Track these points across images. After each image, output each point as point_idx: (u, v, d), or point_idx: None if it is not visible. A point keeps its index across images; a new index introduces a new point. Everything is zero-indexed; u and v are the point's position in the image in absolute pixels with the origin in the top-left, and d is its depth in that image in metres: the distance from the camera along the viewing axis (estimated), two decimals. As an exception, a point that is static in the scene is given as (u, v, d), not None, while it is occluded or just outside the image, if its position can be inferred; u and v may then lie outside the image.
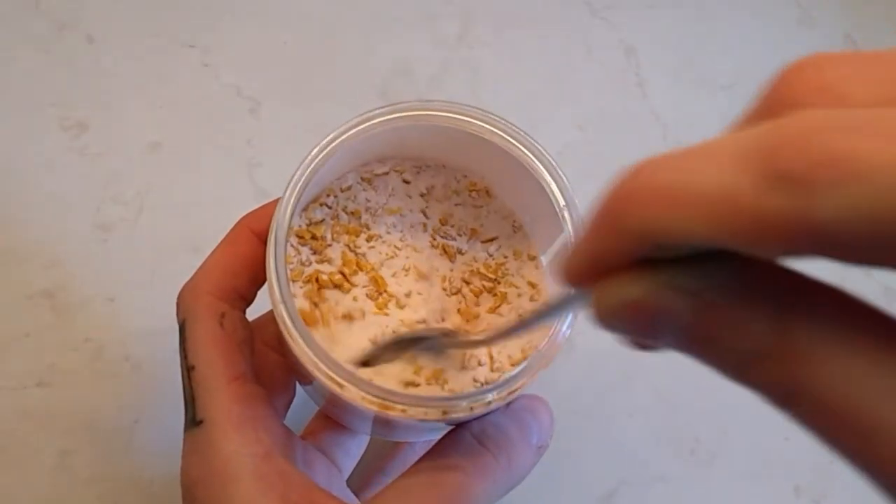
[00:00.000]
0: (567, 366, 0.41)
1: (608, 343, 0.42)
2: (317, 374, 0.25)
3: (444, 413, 0.25)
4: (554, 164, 0.29)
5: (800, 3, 0.52)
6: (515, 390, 0.26)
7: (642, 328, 0.15)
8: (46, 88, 0.45)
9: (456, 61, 0.48)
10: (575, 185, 0.29)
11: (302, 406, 0.34)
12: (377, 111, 0.28)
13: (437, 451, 0.27)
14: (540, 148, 0.29)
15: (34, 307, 0.40)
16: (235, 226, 0.30)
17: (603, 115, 0.48)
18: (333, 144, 0.28)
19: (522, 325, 0.23)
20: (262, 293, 0.31)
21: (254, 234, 0.30)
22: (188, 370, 0.27)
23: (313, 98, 0.46)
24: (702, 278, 0.14)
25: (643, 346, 0.18)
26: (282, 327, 0.26)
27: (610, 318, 0.16)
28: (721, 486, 0.40)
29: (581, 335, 0.42)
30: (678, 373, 0.42)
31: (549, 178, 0.28)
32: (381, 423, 0.29)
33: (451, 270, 0.31)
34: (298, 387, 0.32)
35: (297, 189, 0.27)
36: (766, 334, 0.14)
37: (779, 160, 0.12)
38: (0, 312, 0.40)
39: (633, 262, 0.15)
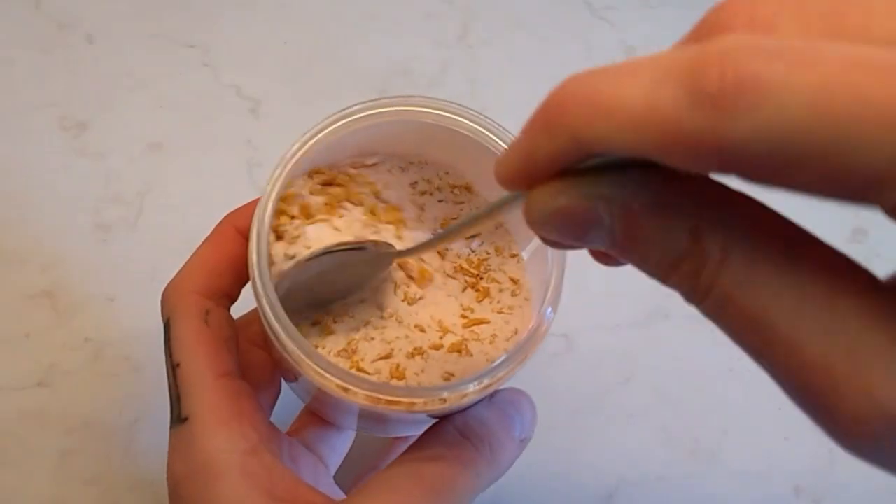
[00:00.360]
0: (567, 366, 0.41)
1: (608, 343, 0.42)
2: (301, 368, 0.25)
3: (426, 403, 0.25)
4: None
5: (800, 3, 0.52)
6: (496, 382, 0.26)
7: (571, 233, 0.16)
8: (46, 88, 0.45)
9: (456, 61, 0.48)
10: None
11: (288, 404, 0.34)
12: (357, 107, 0.28)
13: (421, 444, 0.27)
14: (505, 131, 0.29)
15: (34, 307, 0.40)
16: (219, 224, 0.30)
17: (603, 115, 0.47)
18: (313, 140, 0.28)
19: (457, 227, 0.23)
20: (247, 291, 0.31)
21: (238, 231, 0.29)
22: (173, 368, 0.27)
23: (313, 98, 0.46)
24: (626, 187, 0.15)
25: (571, 246, 0.19)
26: (265, 324, 0.26)
27: (541, 223, 0.17)
28: (721, 486, 0.40)
29: (581, 335, 0.42)
30: (678, 373, 0.42)
31: None
32: (367, 418, 0.29)
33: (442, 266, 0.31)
34: (284, 384, 0.32)
35: (277, 186, 0.27)
36: (683, 239, 0.15)
37: (697, 78, 0.13)
38: (0, 312, 0.40)
39: (563, 168, 0.16)
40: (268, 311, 0.25)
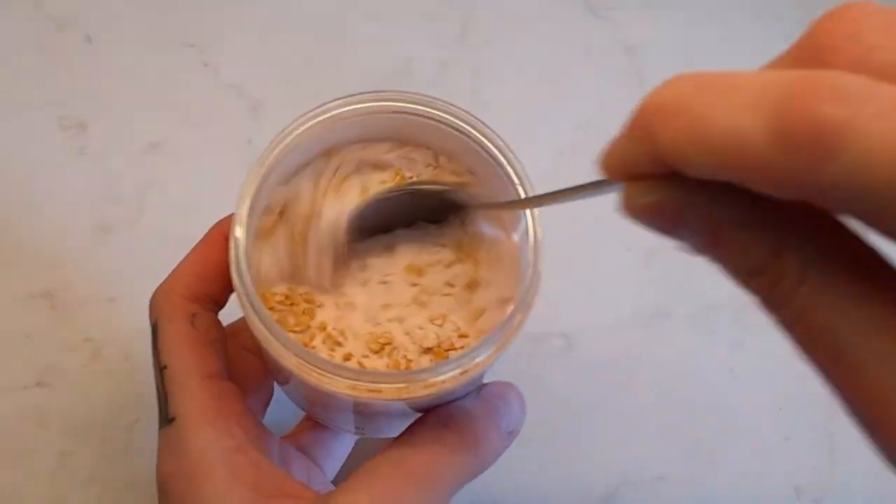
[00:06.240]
0: (567, 366, 0.41)
1: (608, 343, 0.42)
2: (280, 358, 0.25)
3: (405, 389, 0.25)
4: (507, 146, 0.29)
5: (800, 3, 0.52)
6: (474, 367, 0.26)
7: (659, 227, 0.17)
8: (46, 88, 0.45)
9: (456, 61, 0.48)
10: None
11: (288, 414, 0.34)
12: (337, 101, 0.30)
13: (406, 434, 0.28)
14: (494, 133, 0.29)
15: (34, 307, 0.40)
16: (209, 231, 0.31)
17: (603, 115, 0.47)
18: (283, 144, 0.29)
19: (552, 194, 0.23)
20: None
21: (226, 238, 0.30)
22: (160, 370, 0.28)
23: (313, 98, 0.46)
24: (714, 197, 0.16)
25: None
26: (245, 314, 0.26)
27: (634, 215, 0.17)
28: (721, 486, 0.40)
29: (581, 335, 0.42)
30: (678, 373, 0.41)
31: (505, 163, 0.29)
32: (360, 415, 0.29)
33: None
34: (279, 391, 0.32)
35: (252, 188, 0.28)
36: (764, 255, 0.16)
37: (788, 117, 0.13)
38: (0, 312, 0.40)
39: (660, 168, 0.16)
40: (245, 304, 0.26)
